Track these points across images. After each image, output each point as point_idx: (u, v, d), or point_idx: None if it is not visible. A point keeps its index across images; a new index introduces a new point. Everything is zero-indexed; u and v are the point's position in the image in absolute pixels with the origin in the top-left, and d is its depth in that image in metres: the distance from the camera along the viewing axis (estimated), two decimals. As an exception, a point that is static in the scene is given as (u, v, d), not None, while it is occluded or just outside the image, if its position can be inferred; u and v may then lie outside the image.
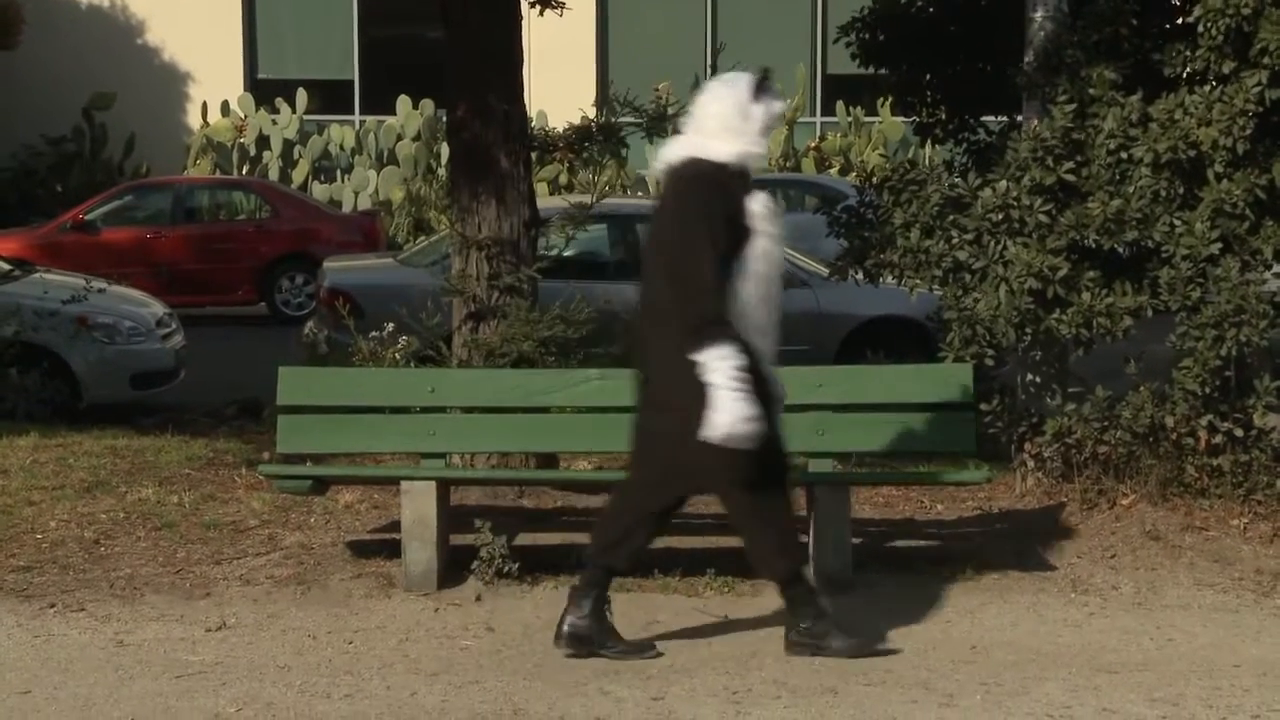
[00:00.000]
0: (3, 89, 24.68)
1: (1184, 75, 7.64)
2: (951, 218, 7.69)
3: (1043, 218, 7.46)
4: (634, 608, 6.29)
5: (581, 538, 7.08)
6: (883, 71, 9.53)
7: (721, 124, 5.55)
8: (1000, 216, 7.53)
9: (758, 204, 5.54)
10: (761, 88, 5.58)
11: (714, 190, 5.48)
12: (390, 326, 9.25)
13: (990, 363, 7.62)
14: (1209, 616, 6.34)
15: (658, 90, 13.00)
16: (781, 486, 5.77)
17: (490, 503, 7.46)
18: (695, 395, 5.38)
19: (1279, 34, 7.14)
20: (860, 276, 8.41)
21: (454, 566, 6.62)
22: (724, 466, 5.49)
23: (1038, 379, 7.90)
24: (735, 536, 7.17)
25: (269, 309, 18.60)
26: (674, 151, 5.66)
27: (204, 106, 25.26)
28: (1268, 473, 7.37)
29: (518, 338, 7.71)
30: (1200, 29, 7.38)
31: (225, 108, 25.09)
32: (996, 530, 7.29)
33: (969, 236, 7.62)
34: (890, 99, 9.68)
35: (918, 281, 7.82)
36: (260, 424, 9.48)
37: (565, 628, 5.75)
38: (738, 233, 5.45)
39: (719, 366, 5.34)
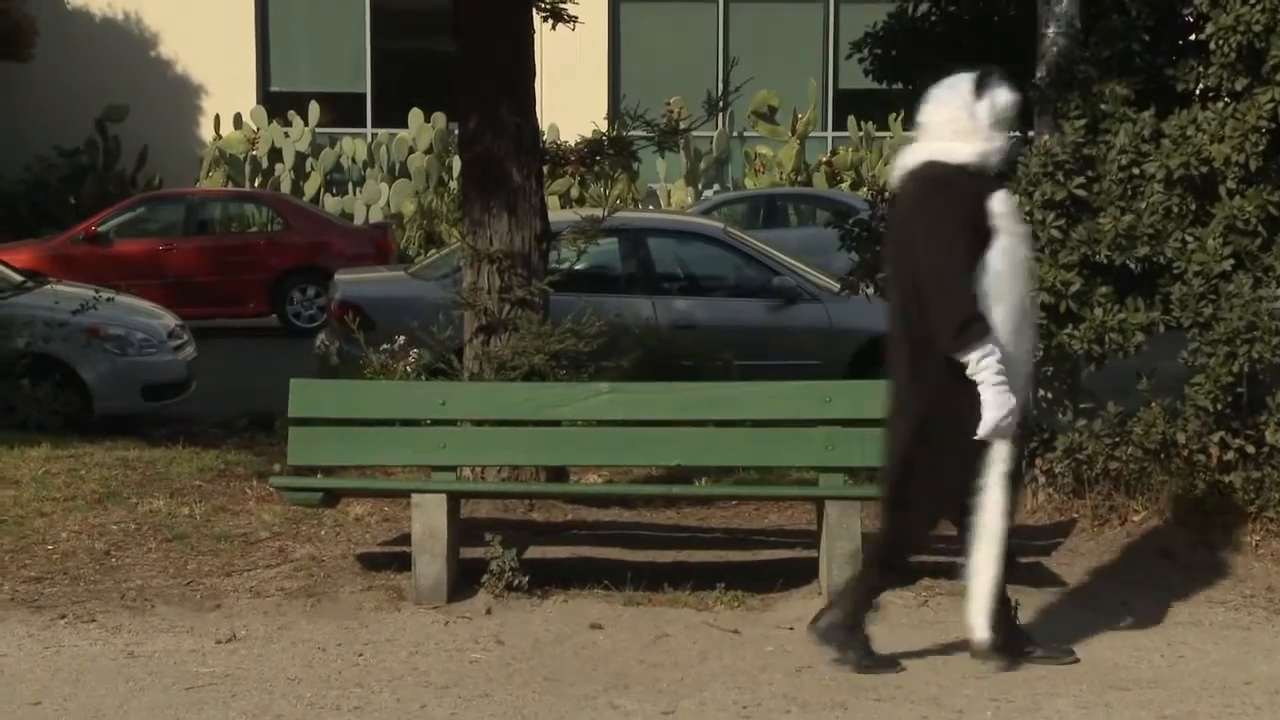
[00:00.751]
0: (16, 101, 24.76)
1: (1197, 91, 7.64)
2: (963, 233, 7.68)
3: (1055, 233, 7.46)
4: (644, 621, 6.29)
5: (592, 551, 7.10)
6: (895, 87, 9.53)
7: (953, 128, 5.58)
8: (1012, 232, 7.52)
9: (999, 203, 5.56)
10: (983, 84, 5.60)
11: (954, 191, 5.51)
12: (401, 339, 9.26)
13: (1001, 378, 7.60)
14: (1220, 634, 6.32)
15: (669, 104, 13.02)
16: (941, 506, 5.80)
17: (500, 516, 7.47)
18: (940, 398, 5.52)
19: (1291, 50, 7.14)
20: (871, 291, 8.40)
21: (464, 580, 6.62)
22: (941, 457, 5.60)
23: (1049, 394, 7.89)
24: (745, 550, 7.20)
25: (280, 321, 18.63)
26: (912, 157, 5.67)
27: (216, 119, 25.32)
28: (1279, 490, 7.36)
29: (529, 351, 7.72)
30: (1212, 46, 7.38)
31: (238, 120, 25.15)
32: (1007, 546, 7.26)
33: (980, 251, 7.61)
34: (902, 114, 9.67)
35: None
36: (271, 436, 9.49)
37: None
38: (982, 234, 5.48)
39: (986, 364, 5.43)
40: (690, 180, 25.18)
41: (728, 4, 26.37)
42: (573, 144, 8.56)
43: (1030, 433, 7.68)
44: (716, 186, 25.46)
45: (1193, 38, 7.84)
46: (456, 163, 20.64)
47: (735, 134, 25.86)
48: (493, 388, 7.40)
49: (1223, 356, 7.22)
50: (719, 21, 26.27)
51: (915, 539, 5.89)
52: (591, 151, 8.47)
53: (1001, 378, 5.44)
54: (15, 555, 6.99)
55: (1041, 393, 7.93)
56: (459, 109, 8.15)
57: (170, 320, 12.25)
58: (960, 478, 5.59)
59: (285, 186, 24.45)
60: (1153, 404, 7.46)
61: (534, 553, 6.92)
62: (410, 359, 9.12)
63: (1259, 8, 7.22)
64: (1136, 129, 7.46)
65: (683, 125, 8.54)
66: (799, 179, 24.89)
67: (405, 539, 6.82)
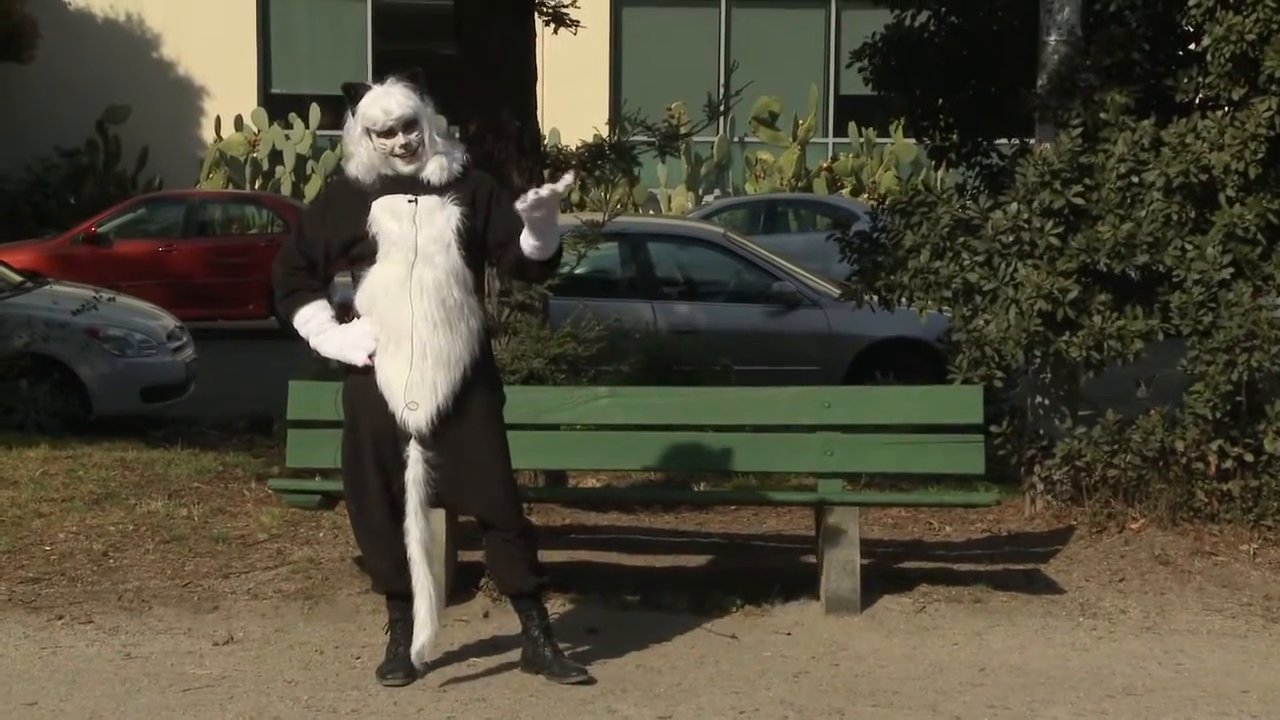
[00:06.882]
0: (17, 101, 24.77)
1: (1196, 100, 7.65)
2: (962, 239, 7.69)
3: (1053, 240, 7.47)
4: (641, 626, 6.29)
5: (589, 556, 7.11)
6: (896, 95, 9.53)
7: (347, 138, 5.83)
8: (1011, 238, 7.54)
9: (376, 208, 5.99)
10: (352, 96, 5.70)
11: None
12: (401, 342, 9.21)
13: (1000, 385, 7.61)
14: (1217, 641, 6.32)
15: (670, 109, 13.03)
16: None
17: (499, 519, 7.45)
18: None
19: (1285, 61, 7.16)
20: (873, 299, 8.37)
21: (462, 583, 6.62)
22: None
23: (1047, 401, 7.89)
24: (743, 555, 7.21)
25: (279, 323, 18.57)
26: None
27: (217, 120, 25.33)
28: (1277, 498, 7.36)
29: (528, 355, 7.72)
30: (1209, 56, 7.40)
31: (239, 122, 25.17)
32: (1005, 553, 7.28)
33: (980, 258, 7.63)
34: (903, 121, 9.67)
35: (929, 303, 7.81)
36: (270, 438, 9.48)
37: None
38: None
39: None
40: (691, 185, 25.20)
41: (729, 9, 26.40)
42: (574, 148, 8.56)
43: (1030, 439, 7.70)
44: (717, 191, 25.48)
45: (1192, 47, 7.86)
46: (457, 166, 20.68)
47: (736, 139, 25.87)
48: (492, 391, 7.38)
49: (1222, 365, 7.23)
50: (720, 26, 26.29)
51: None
52: (592, 156, 8.47)
53: None
54: (13, 556, 6.99)
55: (1040, 399, 7.94)
56: (460, 112, 8.15)
57: (169, 321, 12.25)
58: None
59: (286, 189, 24.46)
60: (1151, 412, 7.47)
61: (532, 556, 6.91)
62: (410, 362, 9.07)
63: (1252, 18, 7.23)
64: (1136, 137, 7.47)
65: (683, 130, 8.54)
66: (799, 185, 24.92)
67: (403, 542, 6.80)
